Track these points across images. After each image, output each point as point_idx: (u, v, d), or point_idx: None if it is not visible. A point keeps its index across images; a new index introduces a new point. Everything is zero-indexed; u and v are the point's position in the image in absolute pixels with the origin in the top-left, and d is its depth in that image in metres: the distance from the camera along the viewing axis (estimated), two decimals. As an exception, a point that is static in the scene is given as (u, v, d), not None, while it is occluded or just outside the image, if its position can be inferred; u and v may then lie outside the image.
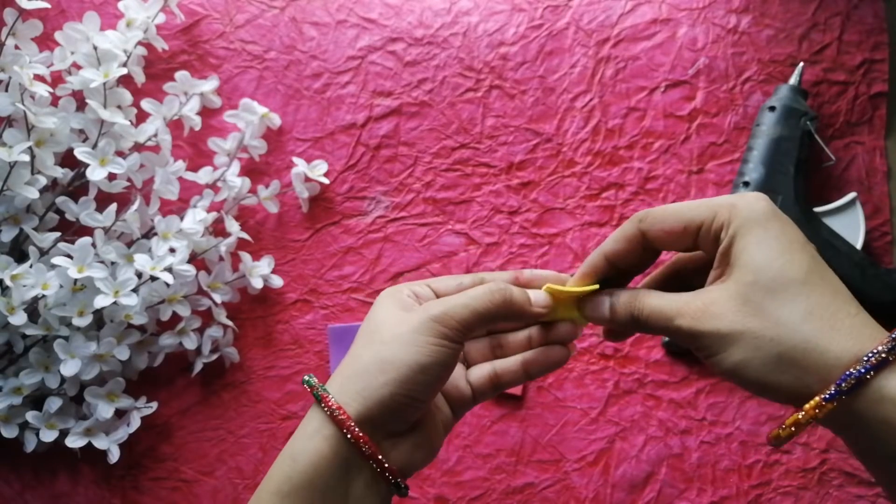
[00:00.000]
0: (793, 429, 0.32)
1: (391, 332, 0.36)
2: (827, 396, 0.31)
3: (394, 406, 0.35)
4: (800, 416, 0.32)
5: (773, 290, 0.32)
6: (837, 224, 0.61)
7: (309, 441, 0.35)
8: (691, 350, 0.35)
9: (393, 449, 0.36)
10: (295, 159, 0.63)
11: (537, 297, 0.38)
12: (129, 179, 0.60)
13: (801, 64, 0.62)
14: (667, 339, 0.62)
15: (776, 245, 0.33)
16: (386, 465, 0.35)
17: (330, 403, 0.35)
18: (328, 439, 0.35)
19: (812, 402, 0.31)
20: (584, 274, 0.38)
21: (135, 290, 0.56)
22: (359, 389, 0.35)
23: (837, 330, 0.31)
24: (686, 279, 0.39)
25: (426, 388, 0.35)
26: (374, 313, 0.38)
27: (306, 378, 0.37)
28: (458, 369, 0.40)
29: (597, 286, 0.38)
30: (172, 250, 0.58)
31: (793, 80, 0.61)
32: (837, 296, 0.32)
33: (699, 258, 0.38)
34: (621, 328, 0.38)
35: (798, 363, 0.31)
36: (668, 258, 0.40)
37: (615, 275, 0.38)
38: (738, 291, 0.33)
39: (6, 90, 0.57)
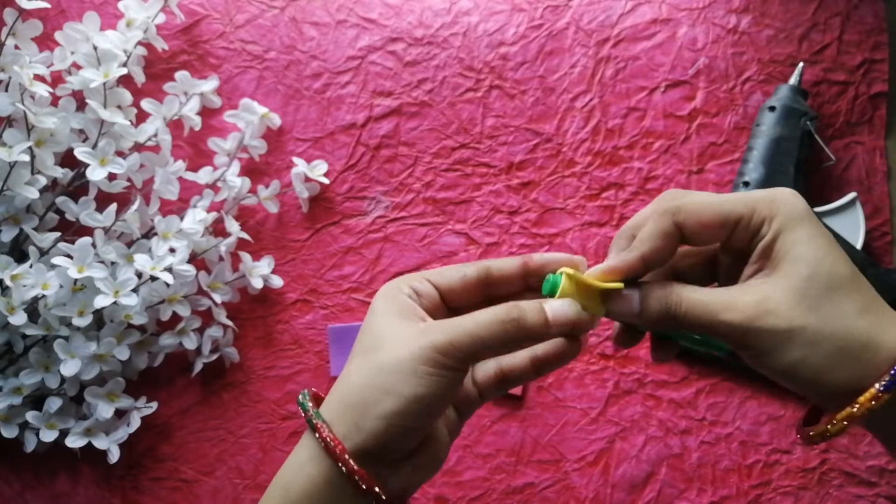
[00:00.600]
0: (845, 423, 0.32)
1: (390, 355, 0.34)
2: (882, 388, 0.31)
3: (389, 438, 0.33)
4: (854, 409, 0.31)
5: (831, 285, 0.32)
6: (837, 224, 0.61)
7: (301, 470, 0.34)
8: (735, 351, 0.34)
9: (391, 476, 0.35)
10: (295, 159, 0.63)
11: (556, 313, 0.34)
12: (129, 179, 0.60)
13: (801, 64, 0.62)
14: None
15: (824, 242, 0.32)
16: (384, 498, 0.34)
17: (324, 435, 0.33)
18: (322, 470, 0.34)
19: (867, 394, 0.31)
20: (615, 270, 0.35)
21: (135, 290, 0.56)
22: (355, 419, 0.33)
23: (886, 323, 0.32)
24: (682, 274, 0.38)
25: (424, 418, 0.34)
26: (371, 321, 0.36)
27: (300, 399, 0.35)
28: None
29: (622, 285, 0.35)
30: (172, 250, 0.58)
31: (793, 80, 0.61)
32: (876, 292, 0.33)
33: (698, 253, 0.38)
34: (648, 324, 0.36)
35: (855, 357, 0.31)
36: None
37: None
38: (794, 286, 0.32)
39: (6, 90, 0.57)
